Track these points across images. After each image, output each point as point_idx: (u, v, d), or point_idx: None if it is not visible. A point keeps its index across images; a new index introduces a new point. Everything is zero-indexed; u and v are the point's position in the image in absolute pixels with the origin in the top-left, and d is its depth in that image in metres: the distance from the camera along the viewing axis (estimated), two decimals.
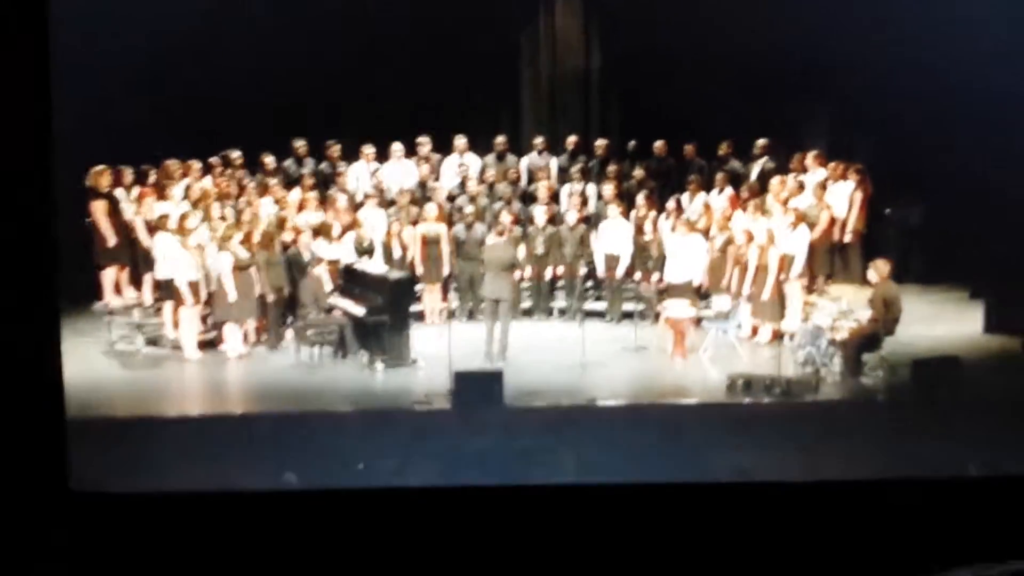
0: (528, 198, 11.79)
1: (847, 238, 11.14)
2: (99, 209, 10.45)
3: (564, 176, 12.01)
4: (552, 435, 8.04)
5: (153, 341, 10.50)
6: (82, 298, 10.66)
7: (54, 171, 6.65)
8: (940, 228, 11.32)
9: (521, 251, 10.97)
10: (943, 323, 10.46)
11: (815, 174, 11.41)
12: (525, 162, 12.18)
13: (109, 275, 10.68)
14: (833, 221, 11.03)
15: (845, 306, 9.66)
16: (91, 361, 10.00)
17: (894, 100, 10.92)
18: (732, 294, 10.42)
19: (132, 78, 10.80)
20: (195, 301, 10.10)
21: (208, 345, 10.34)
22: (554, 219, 11.42)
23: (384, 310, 9.86)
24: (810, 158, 11.53)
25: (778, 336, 10.03)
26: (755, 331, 10.45)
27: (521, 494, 6.83)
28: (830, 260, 11.11)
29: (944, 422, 7.96)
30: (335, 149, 11.92)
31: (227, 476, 7.42)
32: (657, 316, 10.67)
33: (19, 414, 6.44)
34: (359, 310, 9.99)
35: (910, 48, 10.31)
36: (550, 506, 6.59)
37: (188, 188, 10.90)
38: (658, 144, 12.12)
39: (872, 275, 9.53)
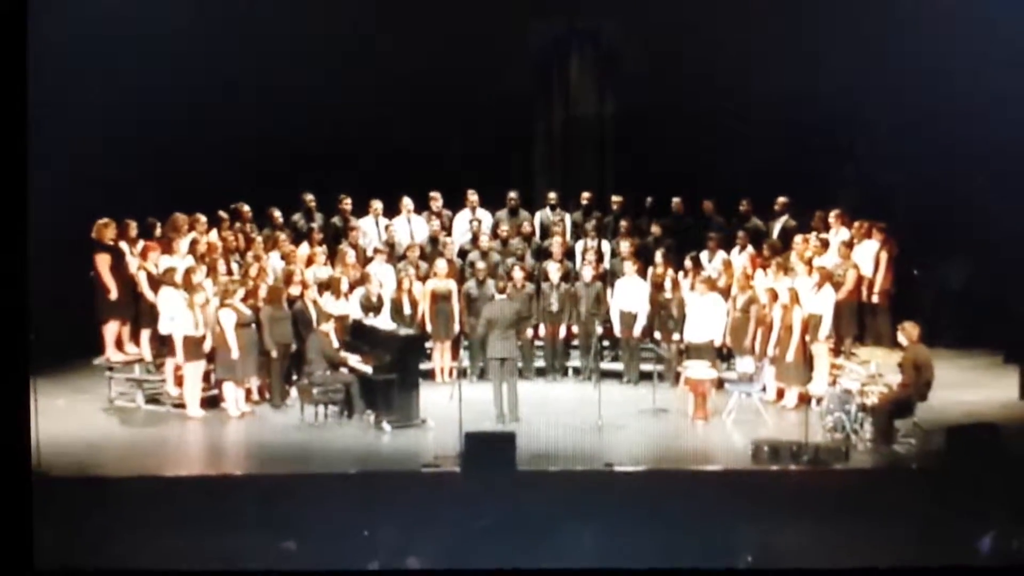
0: (542, 254, 11.56)
1: (874, 299, 10.84)
2: (102, 262, 10.24)
3: (578, 232, 11.83)
4: (566, 501, 7.73)
5: (154, 399, 10.28)
6: (84, 353, 10.52)
7: (30, 235, 6.64)
8: (972, 289, 11.07)
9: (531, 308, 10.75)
10: (977, 389, 10.18)
11: (838, 233, 11.18)
12: (538, 217, 12.04)
13: (111, 329, 10.42)
14: (860, 281, 10.77)
15: (874, 369, 9.34)
16: (90, 418, 9.86)
17: (918, 154, 10.78)
18: (756, 355, 10.15)
19: (137, 131, 10.94)
20: (194, 357, 9.80)
21: (210, 403, 10.07)
22: (568, 276, 11.20)
23: (392, 368, 9.64)
24: (832, 216, 11.28)
25: (805, 400, 9.72)
26: (780, 394, 10.17)
27: None
28: (857, 321, 10.79)
29: (982, 492, 7.58)
30: (348, 203, 11.76)
31: (221, 542, 7.18)
32: (677, 377, 10.43)
33: None
34: (366, 368, 9.74)
35: (940, 94, 10.16)
36: None
37: (195, 242, 10.72)
38: (676, 201, 11.92)
39: (901, 338, 9.21)
